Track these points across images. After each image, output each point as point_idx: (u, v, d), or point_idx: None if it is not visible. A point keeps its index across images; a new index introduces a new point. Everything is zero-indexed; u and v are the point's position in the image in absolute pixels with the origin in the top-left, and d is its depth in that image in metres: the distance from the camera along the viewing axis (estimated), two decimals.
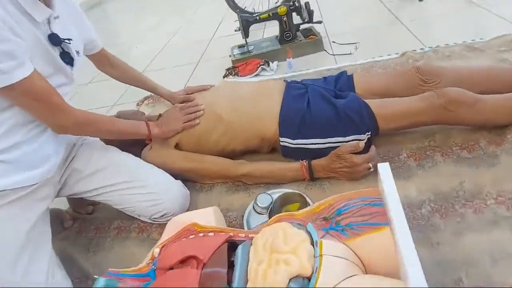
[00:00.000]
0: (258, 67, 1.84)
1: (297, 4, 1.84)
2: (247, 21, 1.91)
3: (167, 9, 4.15)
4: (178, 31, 3.07)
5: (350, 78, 1.20)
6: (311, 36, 1.94)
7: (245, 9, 2.42)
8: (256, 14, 1.93)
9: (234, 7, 2.39)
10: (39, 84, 0.78)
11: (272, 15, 1.88)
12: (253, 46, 2.03)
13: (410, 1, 2.24)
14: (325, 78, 1.24)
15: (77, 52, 0.95)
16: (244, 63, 1.92)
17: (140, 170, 1.05)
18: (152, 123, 1.11)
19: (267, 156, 1.17)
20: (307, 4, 1.84)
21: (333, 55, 1.84)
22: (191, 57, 2.36)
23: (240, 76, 1.87)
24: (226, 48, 2.21)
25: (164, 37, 2.98)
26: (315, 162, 1.03)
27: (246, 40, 1.99)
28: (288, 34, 1.92)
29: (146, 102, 1.84)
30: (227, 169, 1.11)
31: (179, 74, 2.18)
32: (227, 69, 1.93)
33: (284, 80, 1.25)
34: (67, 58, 0.90)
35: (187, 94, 1.29)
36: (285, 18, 1.87)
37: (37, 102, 0.80)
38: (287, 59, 1.78)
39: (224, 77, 1.91)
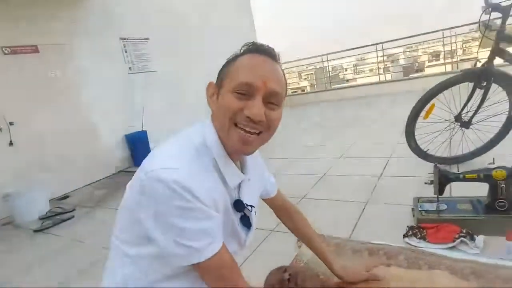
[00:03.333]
0: (457, 238, 1.43)
1: None
2: (446, 177, 1.59)
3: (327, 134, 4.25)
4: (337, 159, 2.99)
5: None
6: None
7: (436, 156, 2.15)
8: (460, 173, 1.60)
9: (422, 154, 2.15)
10: (226, 259, 0.67)
11: (484, 177, 1.52)
12: (445, 206, 1.65)
13: None
14: None
15: (255, 213, 0.84)
16: (434, 225, 1.54)
17: None
18: None
19: None
20: None
21: None
22: (352, 193, 2.16)
23: (429, 242, 1.49)
24: (398, 192, 1.93)
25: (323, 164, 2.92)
26: None
27: (438, 197, 1.65)
28: (503, 203, 1.49)
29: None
30: None
31: (337, 214, 1.96)
32: (410, 228, 1.59)
33: None
34: (246, 222, 0.80)
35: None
36: (502, 184, 1.47)
37: (218, 281, 0.67)
38: (506, 240, 1.32)
39: (404, 236, 1.56)
